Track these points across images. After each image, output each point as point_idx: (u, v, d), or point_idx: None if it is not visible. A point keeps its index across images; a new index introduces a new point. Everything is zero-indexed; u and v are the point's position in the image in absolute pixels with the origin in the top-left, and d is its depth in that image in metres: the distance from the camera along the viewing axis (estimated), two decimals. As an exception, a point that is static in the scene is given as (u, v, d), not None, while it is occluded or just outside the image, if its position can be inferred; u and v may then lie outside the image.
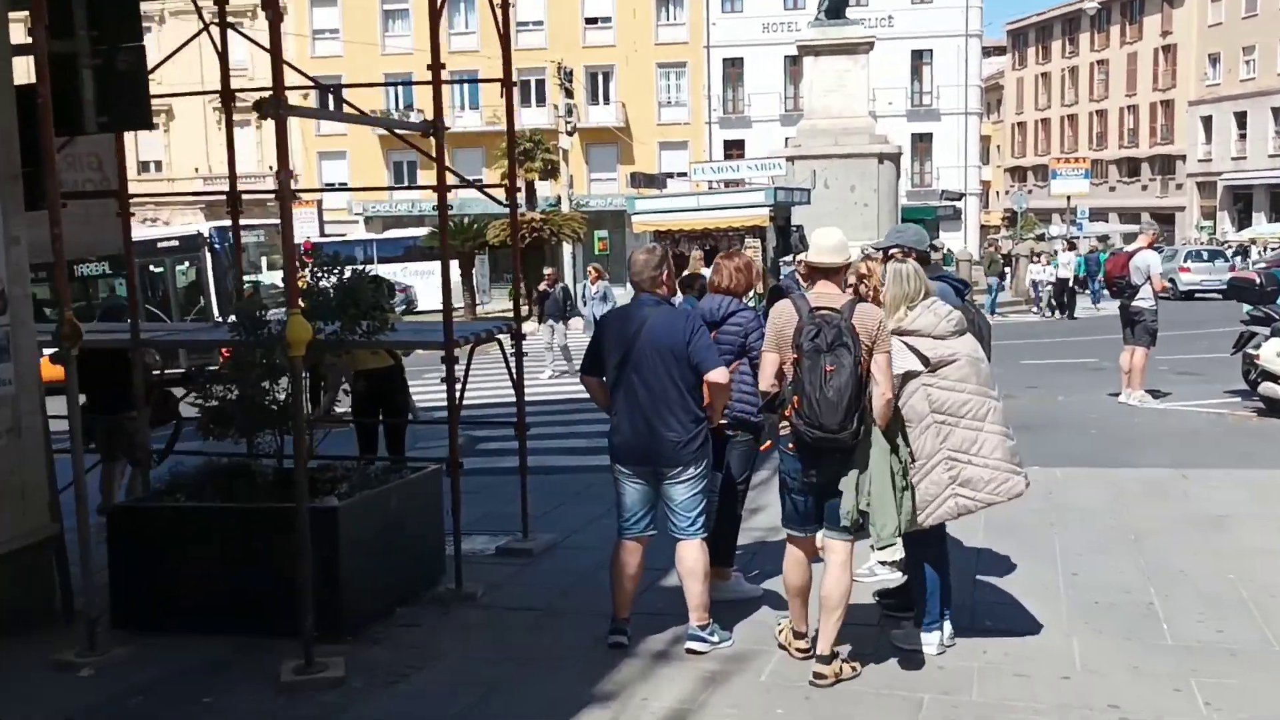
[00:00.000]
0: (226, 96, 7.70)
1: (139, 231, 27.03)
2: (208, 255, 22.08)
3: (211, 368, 7.48)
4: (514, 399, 7.66)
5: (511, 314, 8.08)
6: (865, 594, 6.14)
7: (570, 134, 37.69)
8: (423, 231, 37.18)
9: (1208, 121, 58.36)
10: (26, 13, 5.72)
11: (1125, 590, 6.34)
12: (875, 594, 6.21)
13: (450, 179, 8.37)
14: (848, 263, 5.26)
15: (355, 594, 5.95)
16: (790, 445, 5.05)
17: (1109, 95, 66.46)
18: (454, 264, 33.95)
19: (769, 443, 5.41)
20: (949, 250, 29.88)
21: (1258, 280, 14.24)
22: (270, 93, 5.04)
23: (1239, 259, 39.09)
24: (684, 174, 39.10)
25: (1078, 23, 68.59)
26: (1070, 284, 28.73)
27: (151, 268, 23.10)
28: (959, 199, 49.61)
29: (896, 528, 5.00)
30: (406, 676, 5.37)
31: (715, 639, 5.55)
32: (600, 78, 50.51)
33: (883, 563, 6.59)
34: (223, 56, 7.69)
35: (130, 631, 5.98)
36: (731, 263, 6.41)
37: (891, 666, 5.31)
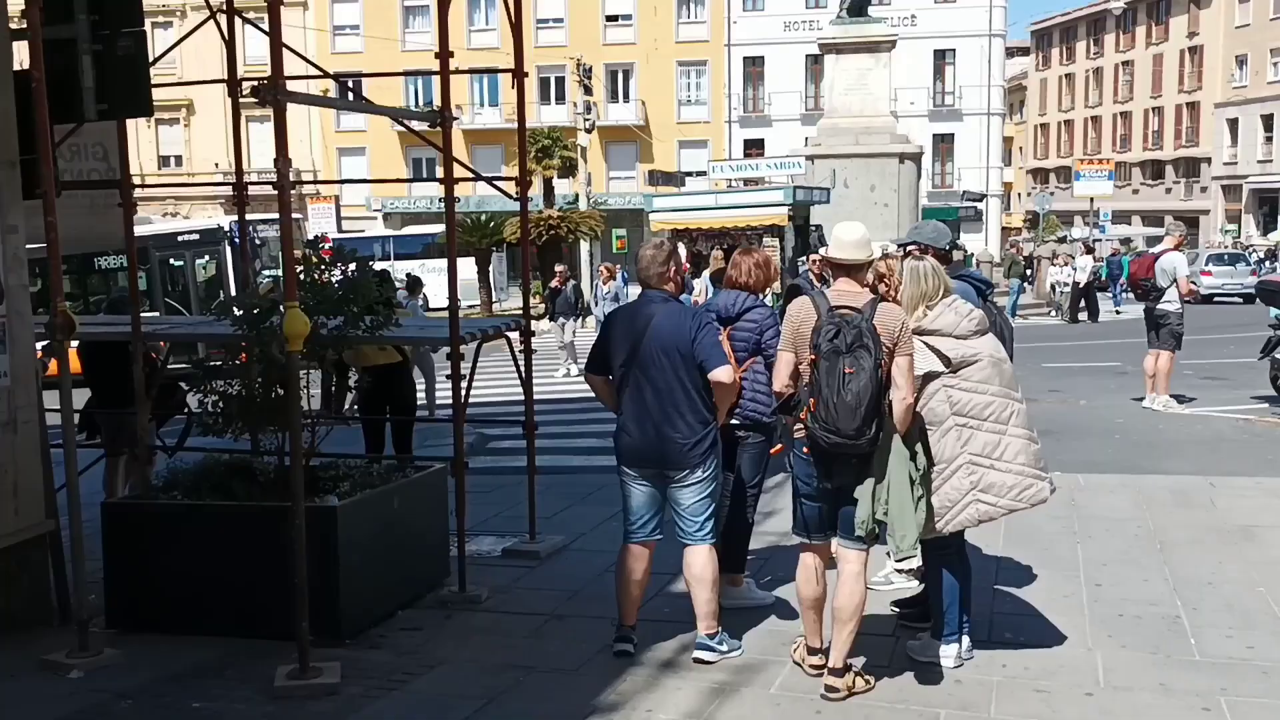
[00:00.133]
0: (234, 86, 7.55)
1: (159, 225, 27.19)
2: (228, 249, 22.03)
3: (214, 362, 7.33)
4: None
5: (525, 311, 7.90)
6: (881, 603, 5.95)
7: (589, 131, 37.54)
8: (441, 228, 37.06)
9: (1233, 124, 57.72)
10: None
11: (1151, 602, 6.12)
12: (892, 603, 6.02)
13: (461, 172, 8.21)
14: (870, 260, 5.04)
15: (355, 596, 5.80)
16: (804, 450, 4.85)
17: (1134, 97, 65.87)
18: (471, 261, 33.92)
19: (780, 446, 5.21)
20: (970, 252, 29.56)
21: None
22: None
23: (1266, 263, 38.59)
24: (703, 173, 38.89)
25: (1103, 23, 67.99)
26: (1084, 286, 28.14)
27: (172, 261, 23.12)
28: (980, 200, 49.30)
29: (916, 538, 4.79)
30: (404, 683, 5.20)
31: (724, 648, 5.36)
32: (620, 75, 50.40)
33: (900, 570, 6.38)
34: (229, 45, 7.54)
35: (124, 631, 5.86)
36: (750, 258, 6.22)
37: (907, 680, 5.11)
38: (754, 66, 50.41)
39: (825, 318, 4.75)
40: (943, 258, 5.76)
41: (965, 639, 5.29)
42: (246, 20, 7.42)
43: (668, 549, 5.55)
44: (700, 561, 5.32)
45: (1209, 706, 4.77)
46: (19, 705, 5.07)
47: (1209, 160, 59.42)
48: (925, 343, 5.04)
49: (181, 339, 9.66)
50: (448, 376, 7.03)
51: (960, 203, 48.59)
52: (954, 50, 49.49)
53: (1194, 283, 15.79)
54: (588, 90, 37.19)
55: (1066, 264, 28.94)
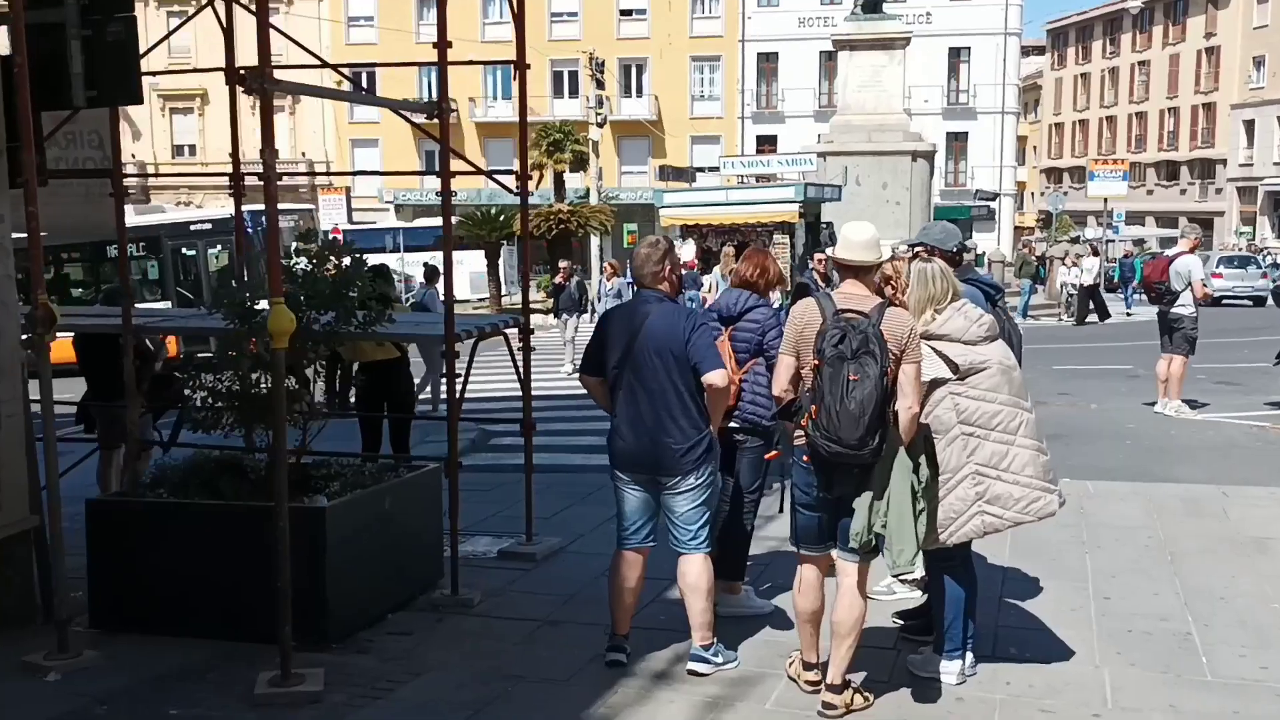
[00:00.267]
0: (231, 74, 7.40)
1: (173, 214, 27.15)
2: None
3: (204, 355, 7.19)
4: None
5: (532, 306, 7.74)
6: (882, 614, 5.79)
7: (600, 125, 37.36)
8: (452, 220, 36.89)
9: (1250, 125, 57.24)
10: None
11: (1161, 617, 5.94)
12: (894, 615, 5.85)
13: (465, 165, 8.07)
14: (879, 261, 4.86)
15: (343, 599, 5.65)
16: (804, 458, 4.67)
17: (1149, 97, 65.41)
18: (480, 254, 33.78)
19: (776, 451, 5.04)
20: (981, 251, 29.33)
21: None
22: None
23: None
24: (715, 168, 38.68)
25: (1119, 23, 67.52)
26: (1089, 287, 27.79)
27: (184, 250, 23.12)
28: (993, 199, 48.98)
29: (916, 553, 4.61)
30: (389, 691, 5.06)
31: (719, 660, 5.20)
32: (633, 70, 50.14)
33: (902, 580, 6.21)
34: (227, 33, 7.40)
35: (108, 631, 5.73)
36: (761, 257, 6.08)
37: (906, 696, 4.94)
38: (768, 62, 50.12)
39: (830, 321, 4.57)
40: (951, 260, 5.57)
41: (969, 654, 5.12)
42: (242, 5, 7.27)
43: (665, 553, 5.39)
44: (695, 571, 5.16)
45: (1220, 730, 4.61)
46: (-7, 709, 4.95)
47: (1224, 162, 58.95)
48: (932, 348, 4.86)
49: (171, 332, 9.51)
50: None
51: (973, 201, 48.29)
52: (969, 48, 49.13)
53: (1208, 286, 15.57)
54: (600, 84, 37.00)
55: (1075, 265, 28.68)
